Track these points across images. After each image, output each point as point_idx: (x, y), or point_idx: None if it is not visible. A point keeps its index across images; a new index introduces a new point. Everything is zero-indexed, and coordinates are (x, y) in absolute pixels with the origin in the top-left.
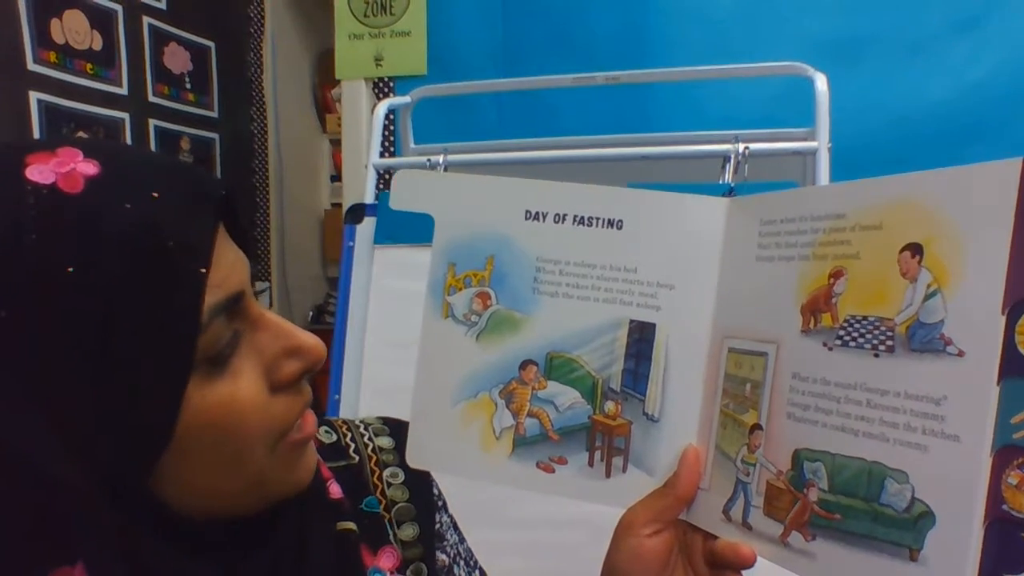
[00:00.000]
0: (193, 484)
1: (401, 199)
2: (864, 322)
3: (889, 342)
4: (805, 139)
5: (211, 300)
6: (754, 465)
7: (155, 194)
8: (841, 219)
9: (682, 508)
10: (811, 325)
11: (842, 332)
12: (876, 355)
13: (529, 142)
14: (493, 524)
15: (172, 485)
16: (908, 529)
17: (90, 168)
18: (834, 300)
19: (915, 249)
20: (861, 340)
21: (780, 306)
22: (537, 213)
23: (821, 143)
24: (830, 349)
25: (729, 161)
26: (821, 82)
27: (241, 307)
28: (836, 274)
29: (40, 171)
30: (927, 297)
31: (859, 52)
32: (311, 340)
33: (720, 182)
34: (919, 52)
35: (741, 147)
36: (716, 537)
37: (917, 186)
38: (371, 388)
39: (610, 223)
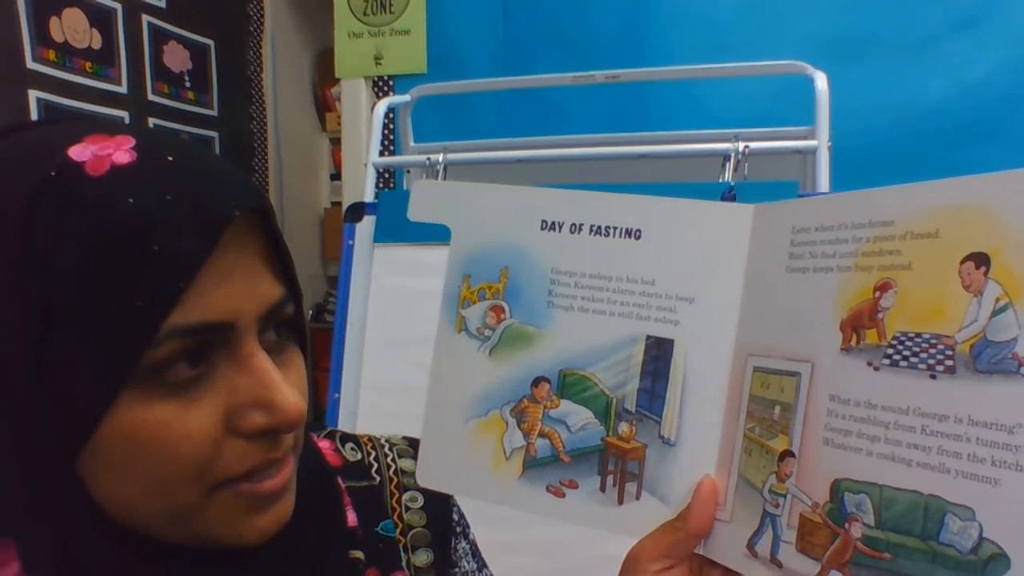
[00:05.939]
0: (115, 495)
1: (419, 210)
2: (918, 340)
3: (949, 362)
4: (805, 138)
5: (178, 318)
6: (784, 496)
7: (169, 197)
8: (888, 226)
9: (695, 544)
10: (853, 343)
11: (891, 351)
12: (933, 376)
13: (529, 141)
14: (492, 522)
15: (98, 489)
16: (975, 572)
17: (124, 157)
18: (880, 315)
19: (980, 259)
20: (914, 360)
21: (816, 322)
22: (554, 223)
23: (821, 142)
24: (876, 369)
25: (729, 160)
26: (821, 81)
27: (226, 339)
28: (882, 287)
29: (82, 150)
30: (996, 312)
31: (859, 51)
32: (290, 400)
33: (720, 180)
34: (919, 51)
35: (741, 146)
36: (738, 574)
37: (980, 189)
38: (370, 387)
39: (628, 233)
